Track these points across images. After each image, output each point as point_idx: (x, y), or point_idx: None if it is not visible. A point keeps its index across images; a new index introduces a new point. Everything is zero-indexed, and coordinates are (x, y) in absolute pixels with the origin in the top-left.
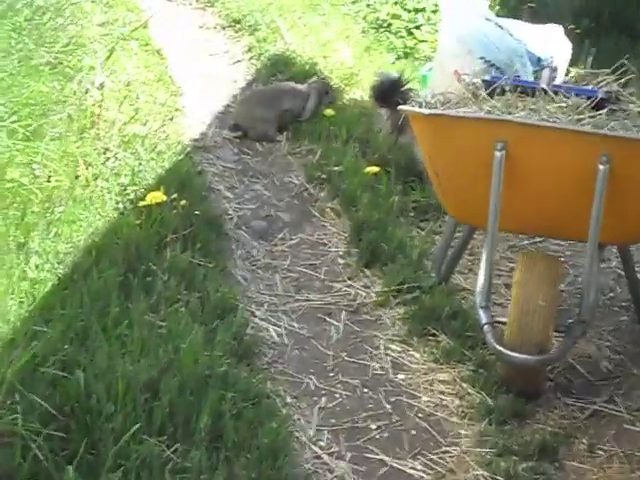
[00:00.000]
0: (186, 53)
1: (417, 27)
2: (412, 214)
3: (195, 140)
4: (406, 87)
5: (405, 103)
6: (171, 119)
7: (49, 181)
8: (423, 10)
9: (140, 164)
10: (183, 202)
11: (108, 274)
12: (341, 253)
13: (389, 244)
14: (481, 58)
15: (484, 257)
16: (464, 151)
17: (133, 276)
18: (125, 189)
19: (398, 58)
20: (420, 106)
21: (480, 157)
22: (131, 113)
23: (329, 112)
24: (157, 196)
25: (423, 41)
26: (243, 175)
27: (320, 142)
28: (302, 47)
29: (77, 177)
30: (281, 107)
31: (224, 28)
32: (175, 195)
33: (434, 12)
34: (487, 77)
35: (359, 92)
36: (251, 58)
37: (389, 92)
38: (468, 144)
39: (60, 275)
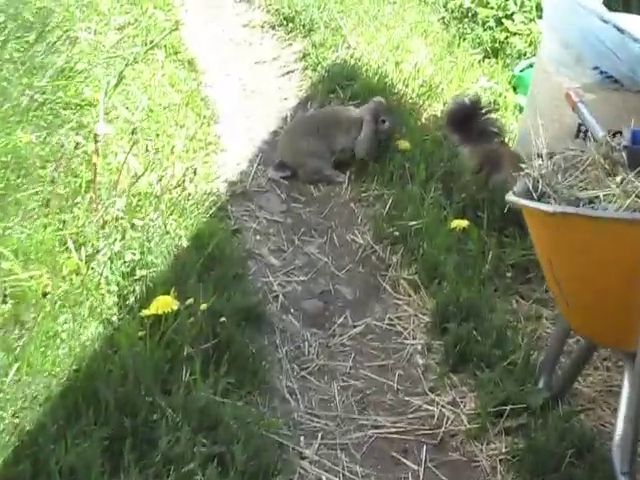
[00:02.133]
0: (225, 62)
1: (508, 16)
2: (509, 274)
3: (232, 184)
4: (485, 114)
5: (486, 134)
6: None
7: (4, 302)
8: None
9: (149, 242)
10: (204, 306)
11: (90, 435)
12: (420, 347)
13: (484, 337)
14: (595, 68)
15: (625, 394)
16: (604, 260)
17: (126, 435)
18: (125, 288)
19: (486, 56)
20: (533, 188)
21: (628, 265)
22: (145, 159)
23: (403, 145)
24: (165, 303)
25: (516, 33)
26: (293, 232)
27: (392, 185)
28: (369, 52)
29: (45, 295)
30: (335, 139)
31: (273, 27)
32: (191, 300)
33: None
34: (627, 138)
35: (440, 107)
36: (306, 68)
37: (466, 122)
38: (610, 251)
39: (15, 443)
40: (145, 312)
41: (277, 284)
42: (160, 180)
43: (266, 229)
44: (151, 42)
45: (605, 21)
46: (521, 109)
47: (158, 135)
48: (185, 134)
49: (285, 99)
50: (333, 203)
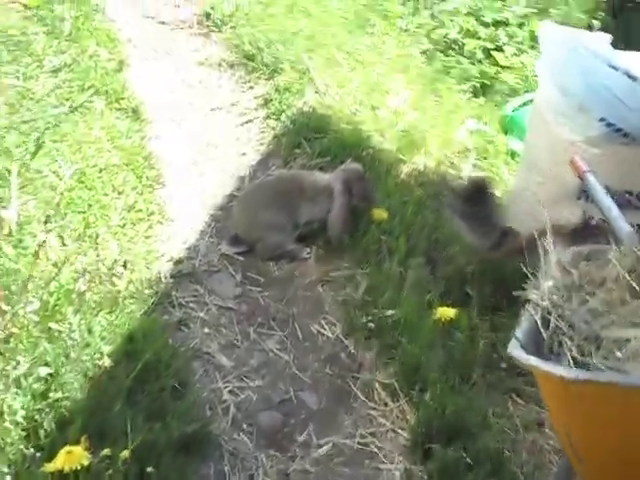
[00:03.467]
0: (177, 108)
1: (498, 48)
2: (504, 365)
3: (178, 263)
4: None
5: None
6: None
7: None
8: (506, 24)
9: (66, 356)
10: (124, 454)
11: None
12: (398, 475)
13: (475, 463)
14: (601, 120)
15: None
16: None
17: None
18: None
19: (474, 94)
20: (543, 324)
21: None
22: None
23: (379, 215)
24: (73, 456)
25: (506, 67)
26: (248, 322)
27: (366, 263)
28: (341, 96)
29: None
30: (298, 210)
31: (232, 66)
32: (107, 451)
33: (520, 26)
34: None
35: (422, 160)
36: (268, 116)
37: (477, 200)
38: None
39: None
40: (49, 466)
41: (228, 392)
42: (85, 271)
43: (216, 319)
44: (89, 87)
45: (614, 67)
46: (513, 155)
47: (90, 206)
48: (123, 203)
49: (243, 154)
50: (296, 285)
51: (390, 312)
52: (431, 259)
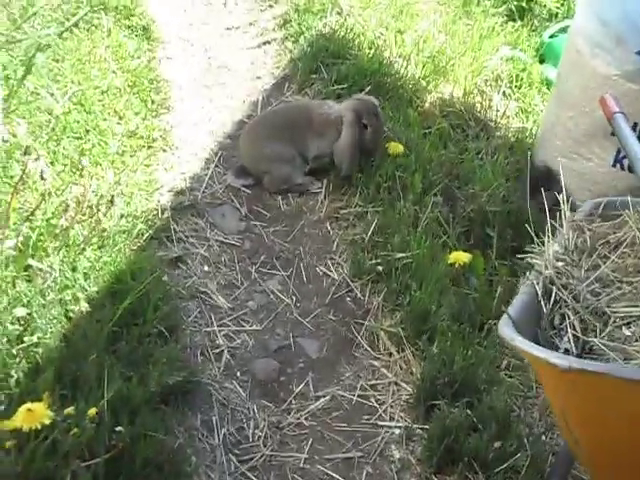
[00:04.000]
0: (191, 27)
1: None
2: None
3: (179, 194)
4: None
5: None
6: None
7: None
8: None
9: (43, 296)
10: (92, 412)
11: None
12: (397, 434)
13: (481, 424)
14: (638, 53)
15: None
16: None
17: None
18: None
19: (510, 18)
20: (544, 294)
21: None
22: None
23: (396, 148)
24: (34, 414)
25: None
26: (251, 261)
27: (379, 201)
28: (365, 18)
29: None
30: (306, 144)
31: None
32: (71, 409)
33: None
34: None
35: (449, 89)
36: (286, 38)
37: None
38: None
39: None
40: (7, 424)
41: (223, 336)
42: (75, 203)
43: (217, 256)
44: (98, 2)
45: None
46: (549, 84)
47: (87, 131)
48: (124, 129)
49: (258, 78)
50: (304, 221)
51: (401, 255)
52: (450, 197)
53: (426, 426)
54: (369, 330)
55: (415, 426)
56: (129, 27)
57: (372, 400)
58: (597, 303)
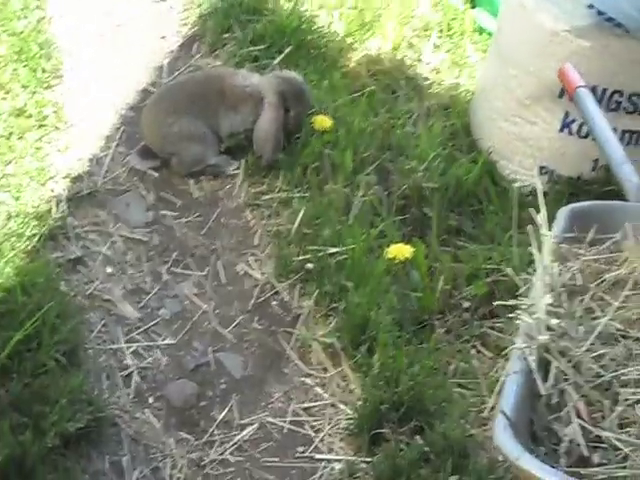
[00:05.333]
0: None
1: None
2: (467, 306)
3: (76, 181)
4: None
5: None
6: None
7: None
8: None
9: None
10: None
11: None
12: (339, 467)
13: (434, 453)
14: (590, 7)
15: None
16: None
17: None
18: None
19: None
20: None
21: None
22: None
23: (322, 122)
24: None
25: None
26: (161, 258)
27: (305, 184)
28: None
29: None
30: (218, 119)
31: None
32: None
33: None
34: None
35: (376, 44)
36: None
37: None
38: None
39: None
40: None
41: (131, 353)
42: None
43: (122, 255)
44: None
45: None
46: (481, 31)
47: None
48: (10, 106)
49: (162, 38)
50: (221, 209)
51: (333, 250)
52: (384, 173)
53: (371, 459)
54: (300, 340)
55: (358, 459)
56: None
57: (306, 427)
58: (603, 373)
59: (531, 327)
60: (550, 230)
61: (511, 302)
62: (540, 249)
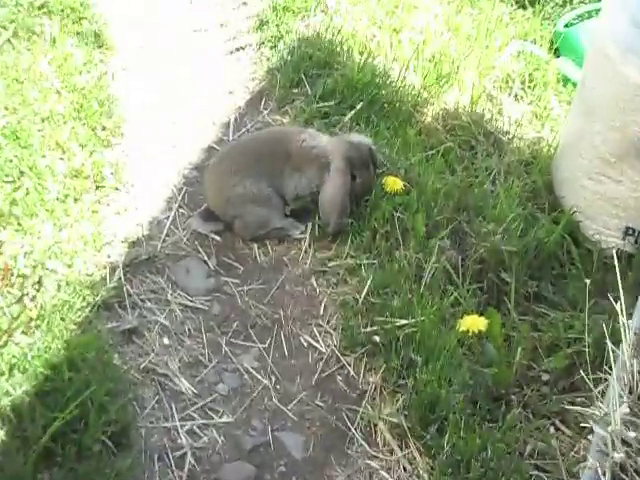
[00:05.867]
0: (152, 29)
1: None
2: (546, 379)
3: (134, 245)
4: None
5: None
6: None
7: None
8: None
9: None
10: None
11: None
12: None
13: None
14: None
15: None
16: None
17: None
18: None
19: (519, 6)
20: None
21: None
22: None
23: (394, 184)
24: None
25: None
26: (220, 330)
27: (375, 251)
28: (355, 17)
29: None
30: (283, 180)
31: None
32: None
33: None
34: None
35: (454, 97)
36: (262, 42)
37: None
38: None
39: None
40: None
41: (185, 432)
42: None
43: (180, 325)
44: (41, 5)
45: None
46: (565, 82)
47: (22, 173)
48: (67, 167)
49: (230, 93)
50: (285, 276)
51: (402, 322)
52: (459, 236)
53: None
54: (365, 419)
55: None
56: (78, 33)
57: None
58: None
59: (605, 440)
60: (632, 315)
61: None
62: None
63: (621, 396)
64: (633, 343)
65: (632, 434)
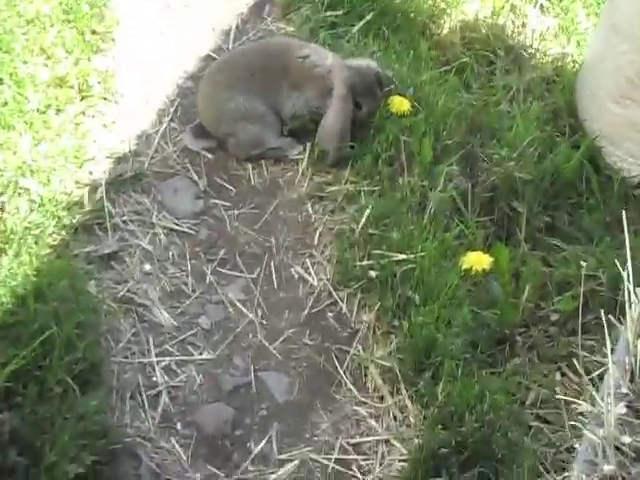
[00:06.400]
0: None
1: None
2: (555, 318)
3: (120, 161)
4: None
5: None
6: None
7: None
8: None
9: None
10: None
11: None
12: None
13: None
14: None
15: None
16: None
17: None
18: None
19: None
20: None
21: None
22: None
23: (400, 105)
24: None
25: None
26: (207, 256)
27: (377, 177)
28: None
29: None
30: (280, 97)
31: None
32: None
33: None
34: None
35: (474, 6)
36: None
37: None
38: None
39: None
40: None
41: (162, 369)
42: None
43: (164, 250)
44: None
45: None
46: None
47: (1, 81)
48: (50, 75)
49: None
50: (279, 200)
51: (401, 256)
52: (470, 162)
53: None
54: (355, 362)
55: None
56: None
57: (354, 467)
58: None
59: (595, 447)
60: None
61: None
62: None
63: (619, 386)
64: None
65: (627, 439)
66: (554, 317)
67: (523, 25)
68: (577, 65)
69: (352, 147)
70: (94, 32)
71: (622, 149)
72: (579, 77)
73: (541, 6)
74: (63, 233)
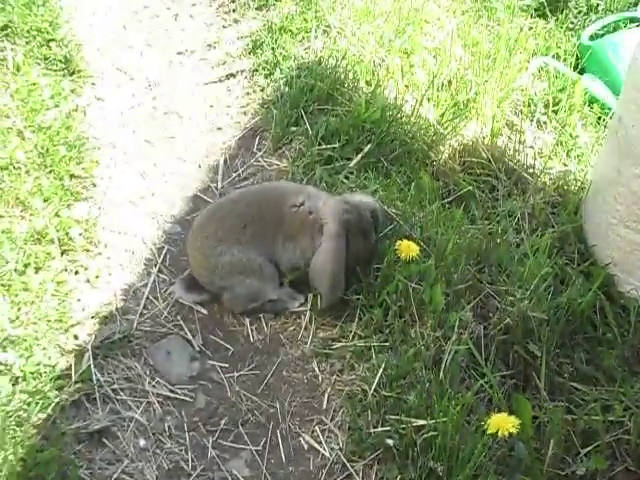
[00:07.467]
0: (131, 51)
1: None
2: (582, 473)
3: (106, 322)
4: None
5: None
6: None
7: None
8: None
9: None
10: None
11: None
12: None
13: None
14: None
15: None
16: None
17: None
18: None
19: (539, 14)
20: None
21: None
22: None
23: (407, 249)
24: None
25: None
26: (206, 427)
27: (387, 330)
28: (361, 38)
29: None
30: (277, 248)
31: None
32: None
33: None
34: None
35: (472, 128)
36: (256, 69)
37: None
38: None
39: None
40: None
41: None
42: None
43: (159, 422)
44: (2, 26)
45: None
46: (591, 102)
47: None
48: (28, 229)
49: (219, 129)
50: (282, 359)
51: (420, 422)
52: (480, 301)
53: None
54: None
55: None
56: (46, 59)
57: None
58: None
59: None
60: None
61: None
62: None
63: None
64: None
65: None
66: (581, 471)
67: (520, 142)
68: (579, 183)
69: (358, 298)
70: (72, 176)
71: (635, 276)
72: (586, 201)
73: (538, 121)
74: (49, 410)
